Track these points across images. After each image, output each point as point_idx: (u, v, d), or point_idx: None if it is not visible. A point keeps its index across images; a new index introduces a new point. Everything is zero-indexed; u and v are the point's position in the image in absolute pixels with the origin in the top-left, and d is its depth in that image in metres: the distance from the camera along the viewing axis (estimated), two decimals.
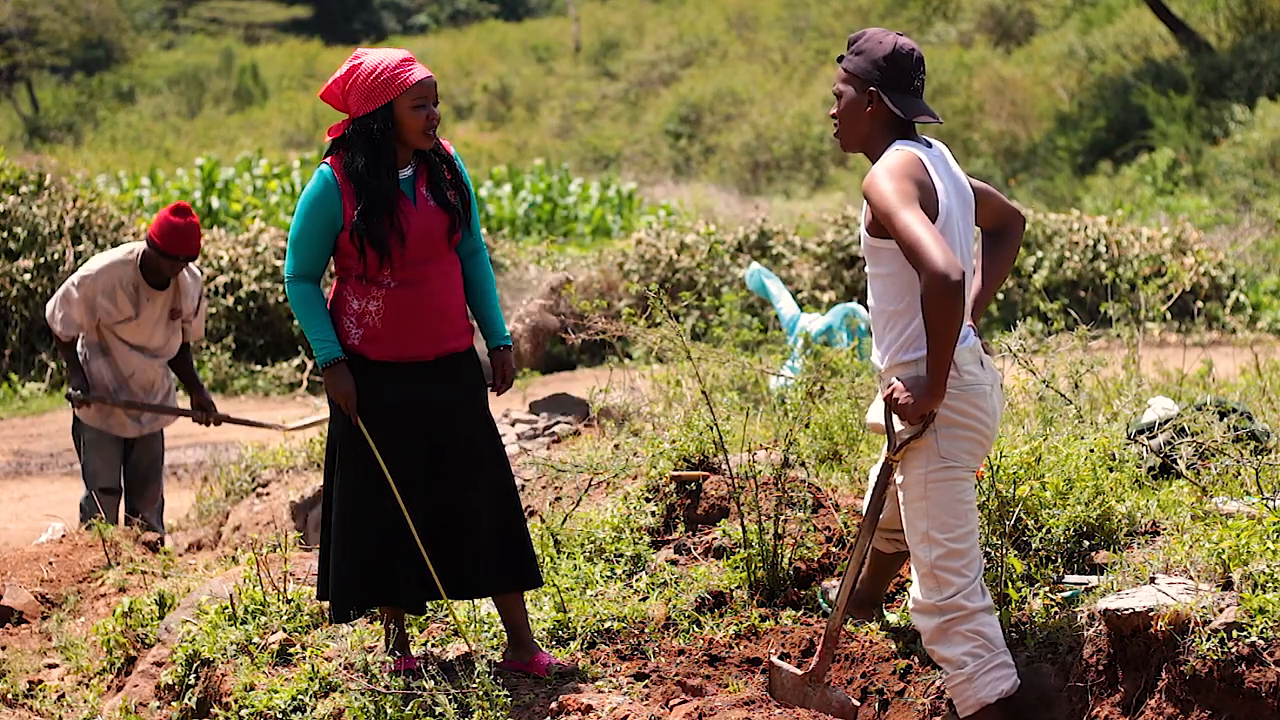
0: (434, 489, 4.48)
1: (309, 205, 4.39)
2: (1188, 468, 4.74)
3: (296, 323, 14.83)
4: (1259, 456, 4.73)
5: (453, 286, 4.51)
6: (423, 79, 4.36)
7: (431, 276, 4.45)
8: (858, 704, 4.16)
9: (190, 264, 7.07)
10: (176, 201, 7.08)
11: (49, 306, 7.04)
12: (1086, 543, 4.56)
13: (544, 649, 4.64)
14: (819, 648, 4.20)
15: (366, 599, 4.51)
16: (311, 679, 4.57)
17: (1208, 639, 3.66)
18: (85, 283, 6.90)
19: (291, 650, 4.87)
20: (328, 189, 4.37)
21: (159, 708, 5.18)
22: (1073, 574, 4.49)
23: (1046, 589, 4.39)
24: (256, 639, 4.95)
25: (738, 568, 5.06)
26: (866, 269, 4.03)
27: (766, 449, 5.72)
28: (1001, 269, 4.32)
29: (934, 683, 4.32)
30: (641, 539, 5.34)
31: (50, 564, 6.70)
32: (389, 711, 4.25)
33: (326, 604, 4.75)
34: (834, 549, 5.15)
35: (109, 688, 5.67)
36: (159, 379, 7.19)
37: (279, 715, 4.53)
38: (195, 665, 5.03)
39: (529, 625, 4.63)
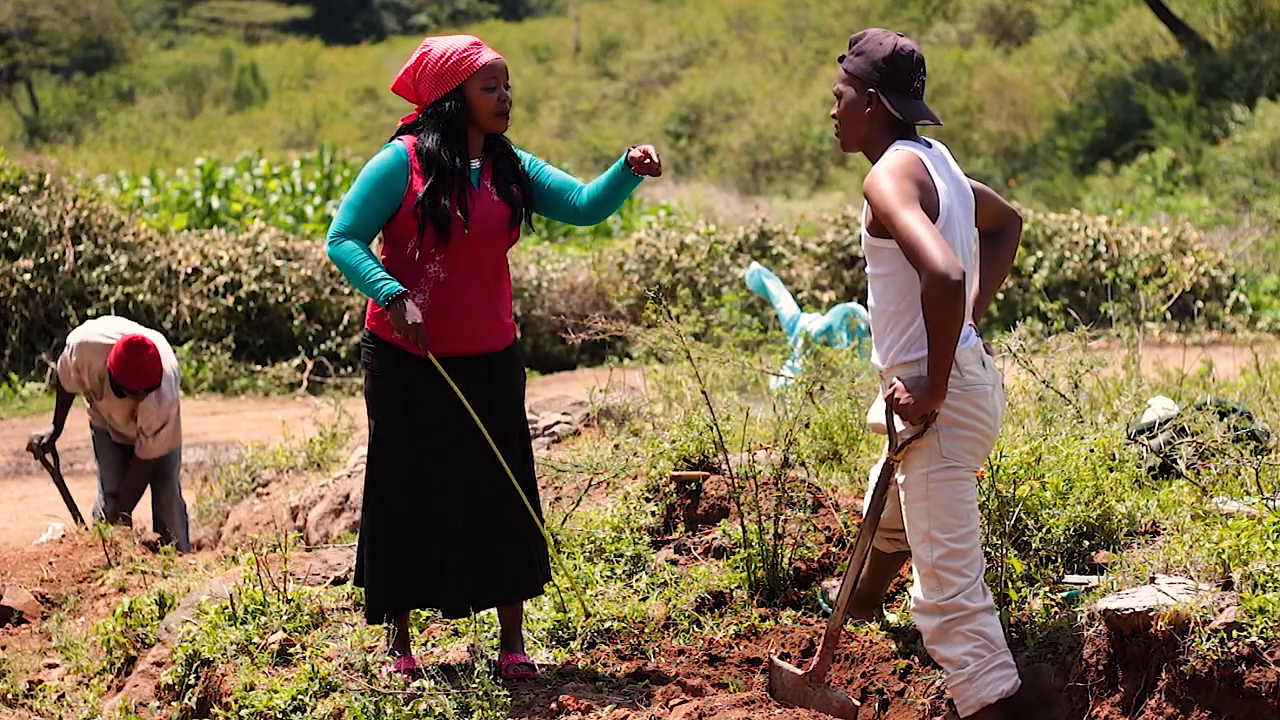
0: (468, 489, 4.45)
1: (377, 175, 4.35)
2: (1188, 468, 4.74)
3: (296, 323, 14.89)
4: (1259, 456, 4.73)
5: (502, 286, 4.49)
6: (492, 61, 4.37)
7: (485, 272, 4.43)
8: (858, 704, 4.16)
9: (161, 388, 6.93)
10: (133, 335, 6.84)
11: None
12: (1086, 543, 4.55)
13: (523, 651, 4.63)
14: (819, 648, 4.19)
15: (406, 601, 4.50)
16: (311, 679, 4.56)
17: (1208, 639, 3.66)
18: (66, 354, 7.02)
19: (291, 650, 4.87)
20: (400, 163, 4.35)
21: (159, 708, 5.18)
22: (1073, 574, 4.49)
23: (1046, 589, 4.39)
24: (256, 639, 4.95)
25: (738, 568, 5.06)
26: (867, 269, 4.03)
27: (766, 449, 5.72)
28: (1000, 269, 4.32)
29: (934, 683, 4.32)
30: (641, 539, 5.34)
31: (50, 564, 6.70)
32: (389, 711, 4.25)
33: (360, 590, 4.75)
34: (834, 549, 5.15)
35: (109, 688, 5.67)
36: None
37: (279, 715, 4.53)
38: (195, 665, 5.03)
39: (520, 625, 4.64)
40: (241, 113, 40.65)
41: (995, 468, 4.43)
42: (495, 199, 4.44)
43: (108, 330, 7.03)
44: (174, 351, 14.07)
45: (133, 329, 7.04)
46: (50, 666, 6.04)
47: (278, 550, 5.33)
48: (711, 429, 5.44)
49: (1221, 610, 3.71)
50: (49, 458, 7.27)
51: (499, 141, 4.51)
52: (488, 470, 4.46)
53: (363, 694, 4.29)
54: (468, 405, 4.36)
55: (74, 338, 7.01)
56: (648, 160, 4.37)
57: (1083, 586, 4.34)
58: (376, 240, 4.48)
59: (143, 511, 7.46)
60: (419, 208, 4.32)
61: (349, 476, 7.44)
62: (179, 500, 7.44)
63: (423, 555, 4.44)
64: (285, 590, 5.18)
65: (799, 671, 4.20)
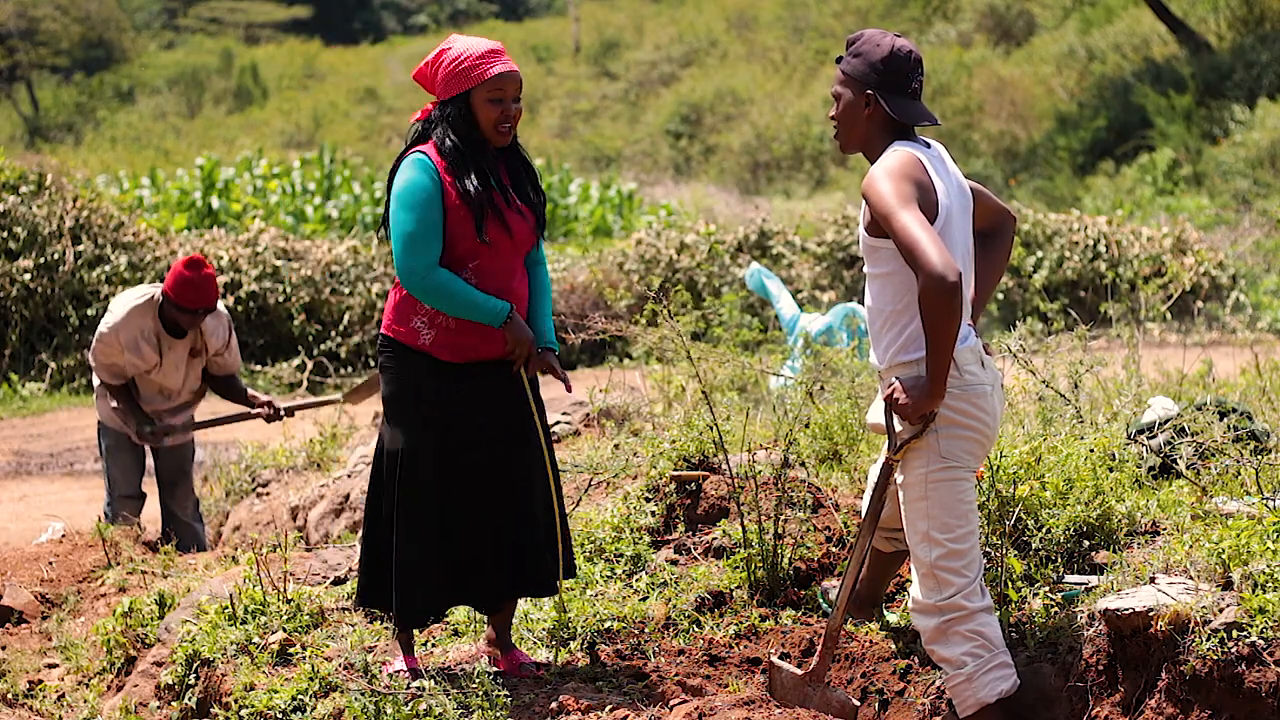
0: (496, 489, 4.44)
1: (415, 195, 4.28)
2: (1188, 468, 4.74)
3: (296, 323, 14.90)
4: (1259, 456, 4.73)
5: (523, 290, 4.48)
6: (502, 73, 4.32)
7: (514, 277, 4.42)
8: (858, 704, 4.16)
9: (217, 307, 6.95)
10: (190, 254, 6.94)
11: (92, 359, 7.06)
12: (1086, 543, 4.55)
13: (519, 649, 4.64)
14: (819, 648, 4.20)
15: (446, 602, 4.50)
16: (311, 679, 4.57)
17: (1208, 639, 3.66)
18: (110, 337, 6.87)
19: (291, 650, 4.87)
20: (426, 173, 4.30)
21: (159, 708, 5.18)
22: (1073, 574, 4.49)
23: (1046, 589, 4.39)
24: (256, 639, 4.95)
25: (738, 568, 5.06)
26: (865, 269, 4.02)
27: (766, 449, 5.72)
28: (997, 269, 4.31)
29: (934, 683, 4.32)
30: (641, 539, 5.34)
31: (50, 564, 6.71)
32: (389, 711, 4.25)
33: (369, 607, 4.72)
34: (834, 549, 5.16)
35: (109, 688, 5.67)
36: (175, 417, 7.18)
37: (279, 715, 4.53)
38: (195, 665, 5.03)
39: (511, 623, 4.65)
40: (241, 113, 40.68)
41: (995, 468, 4.43)
42: (519, 204, 4.43)
43: (135, 295, 6.97)
44: None
45: (147, 288, 7.03)
46: (50, 666, 6.04)
47: (278, 550, 5.33)
48: (711, 429, 5.44)
49: (1221, 610, 3.71)
50: (167, 433, 7.19)
51: (514, 151, 4.48)
52: (515, 471, 4.46)
53: (363, 694, 4.29)
54: (532, 404, 4.43)
55: (112, 316, 6.89)
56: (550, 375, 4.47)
57: (1083, 586, 4.34)
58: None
59: (149, 511, 7.46)
60: (463, 200, 4.28)
61: (349, 476, 7.44)
62: (194, 498, 7.44)
63: (464, 554, 4.43)
64: (285, 590, 5.18)
65: (799, 671, 4.20)
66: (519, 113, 4.38)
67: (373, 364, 14.37)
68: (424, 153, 4.34)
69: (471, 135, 4.35)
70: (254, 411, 7.33)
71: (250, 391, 7.39)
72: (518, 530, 4.46)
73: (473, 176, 4.32)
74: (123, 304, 6.94)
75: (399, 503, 4.42)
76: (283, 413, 7.36)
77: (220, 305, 7.03)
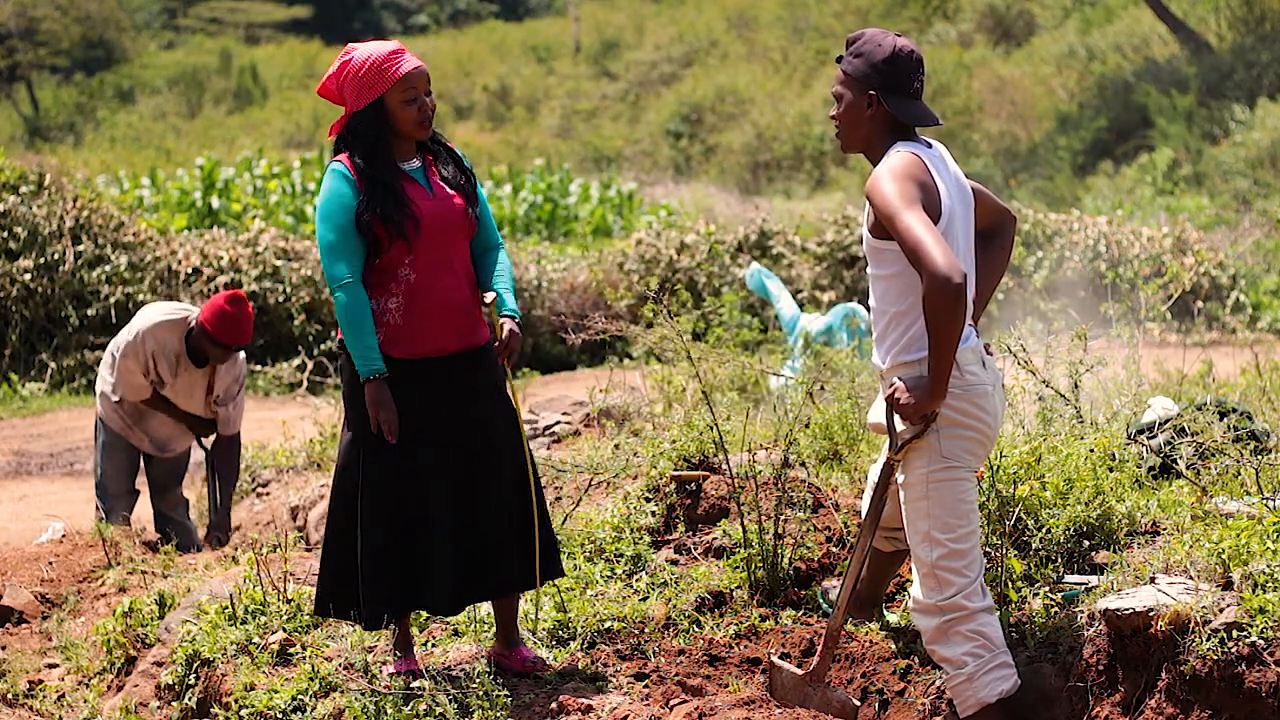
0: (458, 487, 4.44)
1: (333, 205, 4.32)
2: (1188, 468, 4.74)
3: (296, 323, 14.90)
4: (1259, 456, 4.73)
5: (470, 280, 4.49)
6: (410, 71, 4.34)
7: (455, 267, 4.43)
8: (858, 704, 4.16)
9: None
10: (232, 290, 6.90)
11: (104, 387, 6.98)
12: (1086, 543, 4.56)
13: (525, 645, 4.64)
14: (819, 648, 4.20)
15: (403, 604, 4.48)
16: (311, 679, 4.57)
17: (1208, 639, 3.66)
18: (132, 349, 6.84)
19: (291, 650, 4.87)
20: (345, 184, 4.33)
21: (159, 708, 5.18)
22: (1073, 574, 4.49)
23: (1046, 589, 4.40)
24: (256, 639, 4.95)
25: (738, 568, 5.06)
26: (869, 270, 4.02)
27: (766, 449, 5.72)
28: (998, 269, 4.31)
29: (934, 683, 4.32)
30: (641, 539, 5.34)
31: (50, 564, 6.71)
32: (389, 711, 4.25)
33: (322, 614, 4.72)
34: (834, 549, 5.16)
35: (109, 688, 5.67)
36: (176, 437, 7.16)
37: (279, 715, 4.53)
38: (195, 665, 5.03)
39: (517, 620, 4.64)
40: (241, 113, 40.68)
41: (995, 468, 4.43)
42: (446, 191, 4.45)
43: (168, 310, 6.95)
44: None
45: (183, 307, 7.00)
46: (50, 666, 6.04)
47: (278, 550, 5.33)
48: (711, 429, 5.44)
49: (1221, 610, 3.71)
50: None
51: (434, 139, 4.51)
52: (478, 466, 4.46)
53: (363, 694, 4.29)
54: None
55: (139, 327, 6.84)
56: (503, 343, 4.47)
57: (1083, 586, 4.34)
58: None
59: (142, 511, 7.45)
60: (367, 222, 4.30)
61: None
62: (185, 500, 7.41)
63: (422, 555, 4.42)
64: (285, 590, 5.18)
65: (799, 671, 4.21)
66: (434, 104, 4.41)
67: None
68: (342, 162, 4.37)
69: (385, 139, 4.36)
70: (206, 529, 7.23)
71: (229, 519, 7.25)
72: (479, 530, 4.45)
73: (386, 185, 4.32)
74: (150, 316, 6.90)
75: (362, 504, 4.40)
76: (219, 539, 7.20)
77: (240, 355, 6.98)
